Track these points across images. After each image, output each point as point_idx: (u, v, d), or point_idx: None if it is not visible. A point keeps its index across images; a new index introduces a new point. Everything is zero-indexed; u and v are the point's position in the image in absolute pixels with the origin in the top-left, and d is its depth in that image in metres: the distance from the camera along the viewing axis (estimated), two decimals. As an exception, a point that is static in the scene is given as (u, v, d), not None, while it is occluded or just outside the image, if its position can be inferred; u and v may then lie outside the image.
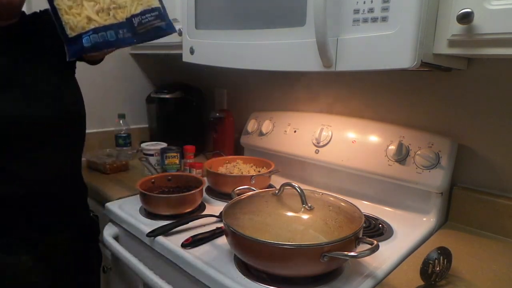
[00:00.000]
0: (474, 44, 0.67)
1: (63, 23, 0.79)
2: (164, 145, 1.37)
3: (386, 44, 0.69)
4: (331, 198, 0.88)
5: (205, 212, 1.02)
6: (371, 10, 0.70)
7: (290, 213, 0.88)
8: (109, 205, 1.09)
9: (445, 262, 0.72)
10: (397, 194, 1.04)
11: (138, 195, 1.02)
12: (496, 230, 0.93)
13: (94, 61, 0.97)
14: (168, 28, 0.85)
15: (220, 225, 0.91)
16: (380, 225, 0.96)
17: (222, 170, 1.21)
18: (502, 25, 0.62)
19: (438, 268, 0.70)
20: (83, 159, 1.02)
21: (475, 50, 0.67)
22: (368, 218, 0.98)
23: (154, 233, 0.89)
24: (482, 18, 0.63)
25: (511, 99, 0.91)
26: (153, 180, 1.09)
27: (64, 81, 0.91)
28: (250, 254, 0.72)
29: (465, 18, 0.63)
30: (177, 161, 1.29)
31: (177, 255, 0.83)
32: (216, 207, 1.07)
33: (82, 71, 0.99)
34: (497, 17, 0.62)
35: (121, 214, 1.03)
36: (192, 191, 1.00)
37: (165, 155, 1.29)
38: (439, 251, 0.72)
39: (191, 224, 0.93)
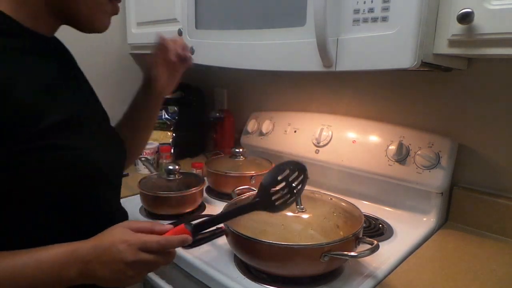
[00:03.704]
0: (474, 44, 0.67)
1: None
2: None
3: (386, 44, 0.69)
4: (331, 198, 0.88)
5: (205, 212, 1.02)
6: (371, 10, 0.70)
7: (290, 213, 0.89)
8: (109, 205, 1.08)
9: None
10: (397, 194, 1.04)
11: (138, 195, 1.02)
12: (496, 230, 0.93)
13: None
14: None
15: (220, 225, 0.91)
16: (380, 225, 0.96)
17: (222, 169, 1.21)
18: (502, 25, 0.62)
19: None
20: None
21: (475, 50, 0.67)
22: (368, 218, 0.98)
23: (154, 233, 0.89)
24: (482, 18, 0.63)
25: (511, 99, 0.91)
26: (153, 180, 1.09)
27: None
28: (250, 254, 0.72)
29: (465, 18, 0.63)
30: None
31: (177, 255, 0.83)
32: (216, 207, 1.07)
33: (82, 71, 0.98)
34: (497, 17, 0.62)
35: (121, 214, 1.03)
36: (192, 191, 1.00)
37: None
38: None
39: (191, 224, 0.93)
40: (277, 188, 0.66)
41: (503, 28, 0.62)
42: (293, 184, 0.66)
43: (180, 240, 0.57)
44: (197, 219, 0.95)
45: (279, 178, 0.66)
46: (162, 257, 0.56)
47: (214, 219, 0.63)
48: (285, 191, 0.66)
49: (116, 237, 0.54)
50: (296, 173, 0.67)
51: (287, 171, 0.67)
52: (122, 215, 0.73)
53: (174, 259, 0.59)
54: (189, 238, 0.57)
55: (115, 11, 0.63)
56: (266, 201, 0.65)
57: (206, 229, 0.61)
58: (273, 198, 0.65)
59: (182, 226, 0.58)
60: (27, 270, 0.50)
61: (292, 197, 0.66)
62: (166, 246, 0.56)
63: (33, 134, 0.51)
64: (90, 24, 0.60)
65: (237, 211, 0.66)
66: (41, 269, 0.51)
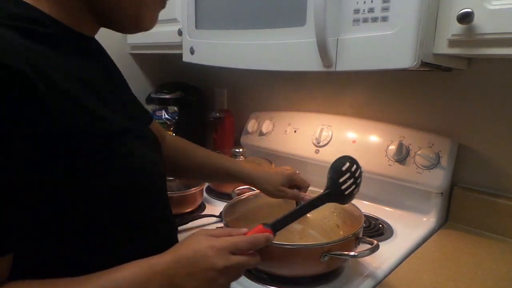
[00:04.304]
0: (474, 44, 0.67)
1: None
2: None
3: (386, 44, 0.69)
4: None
5: (205, 212, 1.02)
6: (371, 10, 0.70)
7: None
8: (109, 205, 1.08)
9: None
10: (397, 194, 1.04)
11: (138, 195, 1.02)
12: (496, 230, 0.93)
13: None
14: None
15: (220, 225, 0.91)
16: (380, 225, 0.96)
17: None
18: (502, 25, 0.62)
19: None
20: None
21: (475, 50, 0.67)
22: (368, 218, 0.98)
23: (154, 233, 0.89)
24: (482, 18, 0.63)
25: (511, 99, 0.90)
26: (153, 180, 1.09)
27: None
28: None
29: (465, 18, 0.63)
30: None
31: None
32: (216, 207, 1.07)
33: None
34: (497, 17, 0.62)
35: (121, 214, 1.02)
36: (192, 191, 1.00)
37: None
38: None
39: (191, 224, 0.93)
40: (344, 178, 0.67)
41: (503, 28, 0.62)
42: (356, 175, 0.68)
43: (266, 238, 0.54)
44: (197, 219, 0.96)
45: (343, 169, 0.67)
46: (252, 257, 0.53)
47: (290, 216, 0.61)
48: (351, 181, 0.67)
49: (201, 244, 0.50)
50: (355, 166, 0.69)
51: (348, 164, 0.68)
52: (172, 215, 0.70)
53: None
54: (271, 236, 0.55)
55: (163, 5, 0.58)
56: (336, 192, 0.66)
57: (284, 226, 0.59)
58: (342, 188, 0.66)
59: (260, 226, 0.56)
60: None
61: (356, 187, 0.68)
62: (255, 244, 0.53)
63: (97, 139, 0.46)
64: (134, 21, 0.54)
65: (310, 205, 0.65)
66: None
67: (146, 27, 0.57)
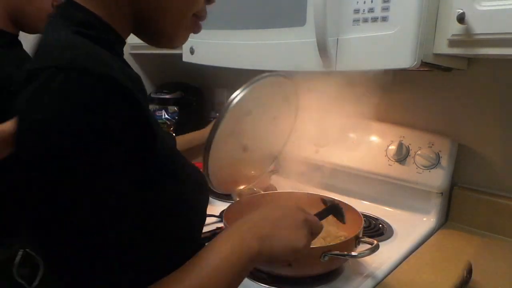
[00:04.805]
0: (474, 44, 0.67)
1: None
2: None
3: (386, 44, 0.69)
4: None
5: (205, 212, 1.02)
6: (371, 10, 0.70)
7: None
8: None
9: None
10: (397, 194, 1.04)
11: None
12: (496, 230, 0.93)
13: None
14: None
15: (220, 225, 0.91)
16: (380, 225, 0.96)
17: (222, 170, 1.20)
18: (491, 26, 0.62)
19: None
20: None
21: (475, 50, 0.67)
22: (368, 218, 0.98)
23: (154, 233, 0.89)
24: (473, 19, 0.63)
25: (511, 99, 0.90)
26: (153, 180, 1.09)
27: None
28: (250, 254, 0.72)
29: (464, 18, 0.64)
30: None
31: (177, 255, 0.82)
32: (216, 207, 1.07)
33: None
34: (486, 18, 0.62)
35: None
36: (192, 191, 1.00)
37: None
38: None
39: (191, 224, 0.93)
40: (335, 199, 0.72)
41: (492, 29, 0.62)
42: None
43: None
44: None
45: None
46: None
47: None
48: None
49: (280, 205, 0.62)
50: None
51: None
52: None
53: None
54: None
55: (197, 29, 0.58)
56: (335, 205, 0.70)
57: None
58: (339, 205, 0.70)
59: None
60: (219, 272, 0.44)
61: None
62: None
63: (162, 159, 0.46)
64: (169, 40, 0.56)
65: (324, 212, 0.68)
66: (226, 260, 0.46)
67: (177, 46, 0.58)
